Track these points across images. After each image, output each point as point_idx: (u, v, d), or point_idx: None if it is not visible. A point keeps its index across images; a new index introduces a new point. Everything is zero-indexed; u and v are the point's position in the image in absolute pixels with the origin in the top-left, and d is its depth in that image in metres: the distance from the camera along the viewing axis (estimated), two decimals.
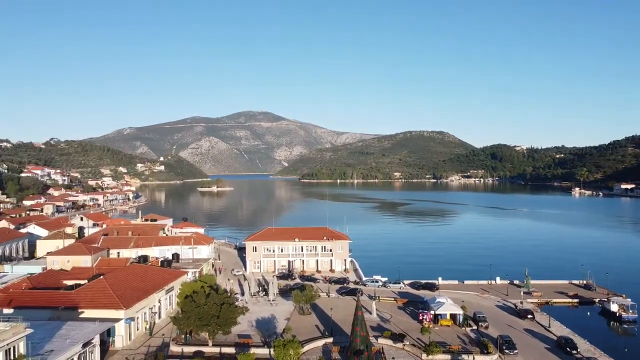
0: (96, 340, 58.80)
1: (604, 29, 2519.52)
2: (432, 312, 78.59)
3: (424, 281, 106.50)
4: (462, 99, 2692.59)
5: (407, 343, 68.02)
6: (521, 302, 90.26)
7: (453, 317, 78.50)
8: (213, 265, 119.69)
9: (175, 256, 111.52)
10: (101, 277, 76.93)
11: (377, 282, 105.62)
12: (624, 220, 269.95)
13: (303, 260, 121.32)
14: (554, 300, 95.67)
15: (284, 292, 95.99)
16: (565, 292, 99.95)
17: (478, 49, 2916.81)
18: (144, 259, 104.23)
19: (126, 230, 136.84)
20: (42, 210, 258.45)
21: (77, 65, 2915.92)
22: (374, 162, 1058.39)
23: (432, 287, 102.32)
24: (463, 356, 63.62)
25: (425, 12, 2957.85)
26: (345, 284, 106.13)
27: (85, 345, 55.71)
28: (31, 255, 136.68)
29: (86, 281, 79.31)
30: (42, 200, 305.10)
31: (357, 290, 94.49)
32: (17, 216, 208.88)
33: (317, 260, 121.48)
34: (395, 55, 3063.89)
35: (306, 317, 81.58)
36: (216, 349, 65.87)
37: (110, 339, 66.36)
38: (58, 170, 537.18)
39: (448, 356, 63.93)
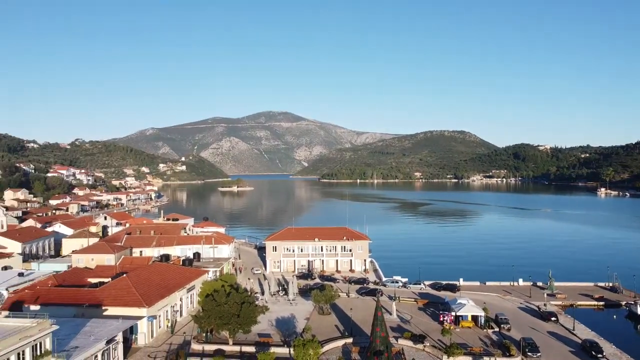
0: (119, 338, 59.67)
1: (632, 27, 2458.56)
2: (453, 313, 77.76)
3: (444, 282, 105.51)
4: (484, 99, 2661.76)
5: (428, 344, 67.44)
6: (545, 304, 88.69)
7: (474, 318, 77.53)
8: (233, 265, 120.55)
9: (197, 255, 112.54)
10: (124, 275, 78.17)
11: (397, 282, 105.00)
12: None
13: (323, 260, 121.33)
14: (579, 302, 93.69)
15: (304, 292, 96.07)
16: (591, 295, 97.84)
17: (499, 48, 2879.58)
18: (165, 257, 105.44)
19: (148, 229, 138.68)
20: (67, 210, 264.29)
21: (101, 67, 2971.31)
22: (394, 162, 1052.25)
23: (453, 288, 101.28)
24: (484, 358, 62.77)
25: (443, 13, 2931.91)
26: (365, 285, 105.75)
27: (108, 342, 56.61)
28: (57, 253, 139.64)
29: (110, 279, 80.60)
30: (68, 199, 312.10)
31: (377, 291, 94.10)
32: (44, 215, 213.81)
33: (336, 260, 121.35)
34: (416, 55, 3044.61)
35: (326, 317, 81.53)
36: (236, 348, 66.28)
37: (133, 337, 67.26)
38: (83, 170, 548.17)
39: (469, 358, 63.12)
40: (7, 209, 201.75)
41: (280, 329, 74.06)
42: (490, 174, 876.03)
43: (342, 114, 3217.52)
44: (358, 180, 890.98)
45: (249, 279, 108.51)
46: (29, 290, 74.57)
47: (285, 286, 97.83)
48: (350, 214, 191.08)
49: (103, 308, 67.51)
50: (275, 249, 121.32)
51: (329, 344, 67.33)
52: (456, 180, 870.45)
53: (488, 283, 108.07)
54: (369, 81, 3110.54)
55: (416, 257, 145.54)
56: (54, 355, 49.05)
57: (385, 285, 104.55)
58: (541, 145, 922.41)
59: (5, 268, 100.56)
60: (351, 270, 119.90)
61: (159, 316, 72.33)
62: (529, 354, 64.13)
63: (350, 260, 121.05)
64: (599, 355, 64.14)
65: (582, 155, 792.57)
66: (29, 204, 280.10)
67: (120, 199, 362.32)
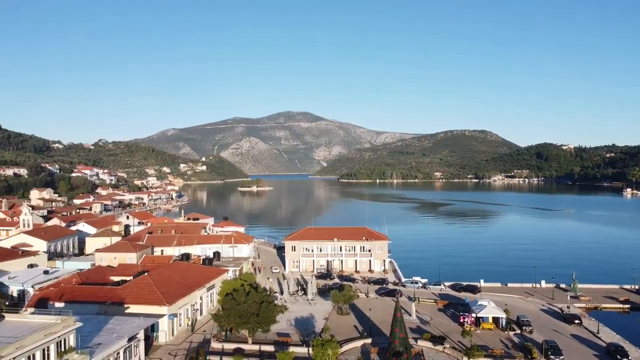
0: (141, 335, 60.45)
1: None
2: (474, 314, 76.78)
3: (465, 283, 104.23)
4: (505, 99, 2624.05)
5: (448, 346, 66.77)
6: (568, 307, 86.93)
7: (495, 320, 76.50)
8: (253, 264, 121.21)
9: (216, 254, 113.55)
10: (146, 273, 79.26)
11: (416, 283, 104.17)
12: None
13: (342, 260, 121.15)
14: (603, 305, 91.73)
15: (323, 292, 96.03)
16: (616, 297, 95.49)
17: (521, 48, 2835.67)
18: (186, 256, 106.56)
19: (169, 228, 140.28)
20: (90, 209, 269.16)
21: (124, 69, 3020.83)
22: (414, 161, 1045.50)
23: (473, 290, 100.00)
24: None
25: (466, 13, 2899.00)
26: (384, 285, 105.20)
27: (130, 339, 57.41)
28: (81, 251, 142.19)
29: (132, 277, 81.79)
30: (91, 199, 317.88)
31: (396, 291, 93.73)
32: (68, 214, 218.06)
33: (355, 261, 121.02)
34: (436, 55, 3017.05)
35: (345, 317, 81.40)
36: (256, 347, 66.60)
37: (154, 334, 68.10)
38: (106, 170, 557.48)
39: None
40: (33, 208, 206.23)
41: (299, 329, 74.18)
42: (512, 174, 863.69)
43: (361, 114, 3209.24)
44: (377, 180, 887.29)
45: (268, 278, 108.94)
46: (53, 287, 76.04)
47: (304, 286, 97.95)
48: (369, 214, 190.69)
49: (125, 306, 68.50)
50: (294, 248, 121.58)
51: (348, 344, 67.19)
52: (477, 180, 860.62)
53: (510, 284, 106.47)
54: (389, 81, 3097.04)
55: (436, 258, 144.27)
56: (78, 352, 49.89)
57: (404, 286, 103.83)
58: (565, 145, 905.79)
59: (31, 266, 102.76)
60: (370, 271, 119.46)
61: (180, 314, 73.10)
62: (552, 357, 62.98)
63: (370, 261, 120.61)
64: (624, 359, 62.69)
65: (608, 155, 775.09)
66: (53, 204, 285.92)
67: (142, 199, 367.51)
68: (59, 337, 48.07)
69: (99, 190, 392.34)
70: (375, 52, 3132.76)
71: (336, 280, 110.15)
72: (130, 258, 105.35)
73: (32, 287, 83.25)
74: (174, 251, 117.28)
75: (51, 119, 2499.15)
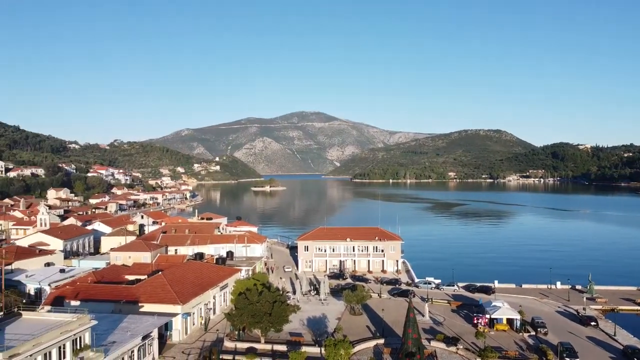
0: (155, 334, 61.06)
1: None
2: (488, 316, 76.16)
3: (479, 284, 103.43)
4: (520, 98, 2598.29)
5: (461, 347, 66.33)
6: (584, 309, 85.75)
7: (510, 321, 75.78)
8: (266, 264, 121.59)
9: (230, 254, 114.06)
10: (160, 273, 79.92)
11: (430, 284, 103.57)
12: None
13: (354, 260, 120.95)
14: (620, 307, 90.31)
15: (335, 292, 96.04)
16: (633, 299, 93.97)
17: (536, 47, 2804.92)
18: (199, 256, 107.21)
19: (183, 228, 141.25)
20: (106, 208, 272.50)
21: (139, 70, 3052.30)
22: (427, 161, 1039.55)
23: (487, 291, 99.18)
24: None
25: (479, 11, 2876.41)
26: (397, 285, 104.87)
27: (144, 338, 57.99)
28: (96, 250, 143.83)
29: (146, 276, 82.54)
30: (107, 198, 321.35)
31: (409, 292, 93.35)
32: (84, 214, 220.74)
33: (368, 261, 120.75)
34: (450, 54, 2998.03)
35: (357, 317, 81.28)
36: (268, 346, 66.82)
37: (168, 333, 68.67)
38: (121, 170, 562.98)
39: None
40: (50, 207, 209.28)
41: (312, 329, 74.23)
42: (527, 174, 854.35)
43: (375, 114, 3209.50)
44: (391, 180, 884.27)
45: (280, 278, 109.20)
46: (69, 286, 77.12)
47: (317, 286, 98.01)
48: (382, 214, 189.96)
49: (139, 304, 69.21)
50: (307, 248, 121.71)
51: (360, 344, 67.10)
52: (491, 180, 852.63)
53: (524, 286, 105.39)
54: (402, 81, 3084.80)
55: (449, 258, 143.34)
56: (93, 350, 50.53)
57: (417, 287, 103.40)
58: (581, 145, 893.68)
59: (48, 264, 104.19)
60: (383, 271, 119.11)
61: (193, 313, 73.65)
62: (567, 359, 62.16)
63: (383, 261, 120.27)
64: None
65: (625, 155, 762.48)
66: (70, 203, 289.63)
67: (156, 198, 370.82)
68: (74, 335, 48.75)
69: (114, 190, 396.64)
70: (389, 53, 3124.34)
71: (349, 280, 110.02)
72: (144, 257, 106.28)
73: (49, 285, 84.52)
74: (187, 250, 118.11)
75: (68, 119, 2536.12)
